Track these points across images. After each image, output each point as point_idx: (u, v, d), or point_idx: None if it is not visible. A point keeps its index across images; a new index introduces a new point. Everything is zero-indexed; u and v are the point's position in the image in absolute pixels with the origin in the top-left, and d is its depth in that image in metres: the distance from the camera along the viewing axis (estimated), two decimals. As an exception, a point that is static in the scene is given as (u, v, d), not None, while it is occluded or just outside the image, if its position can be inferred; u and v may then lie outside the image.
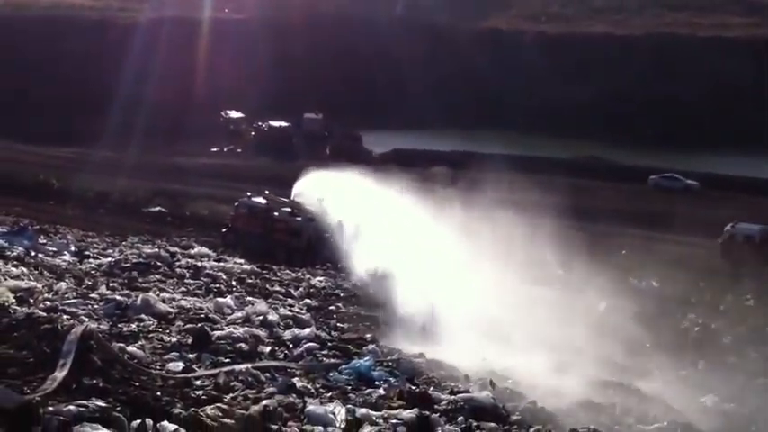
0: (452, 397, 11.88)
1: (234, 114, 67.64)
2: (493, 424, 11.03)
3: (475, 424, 10.89)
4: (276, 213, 26.46)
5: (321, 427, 9.88)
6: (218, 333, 13.68)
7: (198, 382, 11.04)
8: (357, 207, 23.30)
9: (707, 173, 52.29)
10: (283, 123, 62.49)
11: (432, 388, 12.35)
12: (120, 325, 13.42)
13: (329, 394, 11.48)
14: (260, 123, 63.29)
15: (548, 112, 67.47)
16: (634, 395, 13.64)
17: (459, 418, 11.05)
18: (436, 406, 11.45)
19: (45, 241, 21.24)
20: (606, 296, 19.54)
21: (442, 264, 17.91)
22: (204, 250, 24.35)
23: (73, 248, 20.84)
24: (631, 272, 20.36)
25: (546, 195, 27.36)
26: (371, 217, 21.95)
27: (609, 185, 45.00)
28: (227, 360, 12.32)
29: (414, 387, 12.11)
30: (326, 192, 26.00)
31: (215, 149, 61.87)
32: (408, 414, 10.55)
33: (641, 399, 13.56)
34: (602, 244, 21.83)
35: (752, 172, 51.99)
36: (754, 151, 56.53)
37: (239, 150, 61.91)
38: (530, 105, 68.61)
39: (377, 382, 12.24)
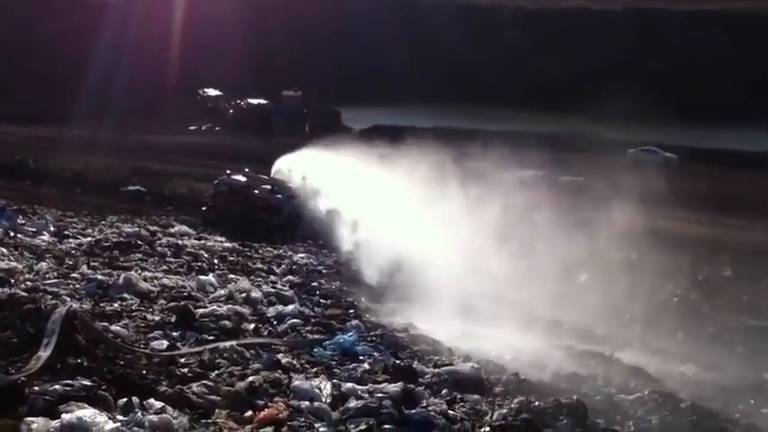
0: (436, 370, 12.00)
1: (212, 92, 67.26)
2: (476, 396, 11.16)
3: (459, 396, 11.01)
4: (256, 191, 26.37)
5: (308, 402, 9.95)
6: (201, 311, 13.66)
7: (183, 360, 11.06)
8: (339, 184, 23.28)
9: (685, 146, 52.73)
10: (262, 101, 62.24)
11: (416, 362, 12.44)
12: (102, 304, 13.36)
13: (314, 369, 11.54)
14: (238, 101, 62.98)
15: (527, 87, 67.59)
16: (615, 366, 13.81)
17: (444, 391, 11.17)
18: (420, 379, 11.55)
19: (24, 222, 21.07)
20: (586, 268, 19.71)
21: (426, 238, 17.96)
22: (184, 229, 24.25)
23: (52, 228, 20.67)
24: (614, 244, 20.50)
25: (527, 169, 27.52)
26: (354, 194, 21.94)
27: (589, 159, 45.23)
28: (212, 338, 12.34)
29: (398, 361, 12.20)
30: (307, 168, 25.94)
31: (193, 127, 61.53)
32: (393, 388, 10.64)
33: (622, 369, 13.73)
34: (584, 217, 21.91)
35: (730, 144, 52.49)
36: (731, 124, 57.02)
37: (218, 128, 61.62)
38: (509, 80, 68.66)
39: (361, 357, 12.32)
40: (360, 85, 70.24)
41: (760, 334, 17.18)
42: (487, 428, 9.96)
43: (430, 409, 10.29)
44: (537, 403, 10.84)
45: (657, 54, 70.55)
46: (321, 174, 24.91)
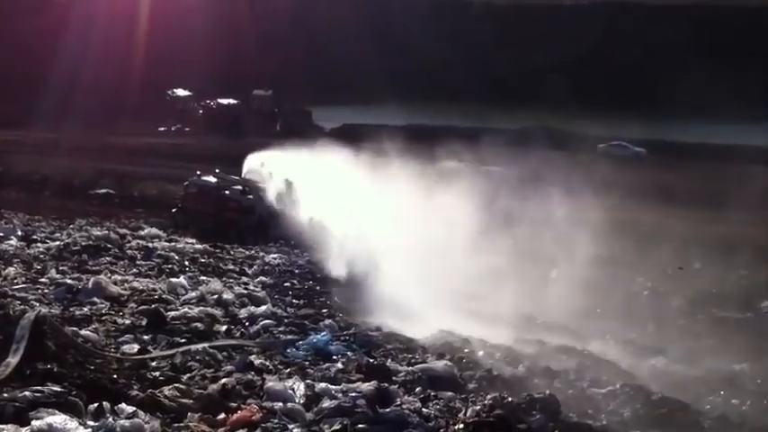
0: (410, 368, 12.04)
1: (181, 93, 66.80)
2: (450, 393, 11.21)
3: (433, 394, 11.05)
4: (227, 192, 26.21)
5: (281, 403, 9.95)
6: (172, 314, 13.61)
7: (154, 364, 11.02)
8: (310, 182, 23.20)
9: (655, 140, 53.21)
10: (232, 101, 61.90)
11: (389, 360, 12.48)
12: (72, 309, 13.25)
13: (288, 370, 11.53)
14: (208, 101, 62.61)
15: (498, 83, 67.86)
16: (587, 359, 13.93)
17: (418, 389, 11.21)
18: (394, 378, 11.58)
19: (-10, 227, 20.79)
20: (557, 264, 19.84)
21: (396, 235, 17.96)
22: (155, 231, 24.06)
23: (19, 233, 20.43)
24: (583, 238, 20.62)
25: (497, 165, 27.63)
26: (324, 191, 21.88)
27: (559, 154, 45.45)
28: (183, 340, 12.29)
29: (372, 360, 12.22)
30: (278, 168, 25.81)
31: (162, 129, 61.03)
32: (367, 386, 10.67)
33: (594, 363, 13.85)
34: (554, 213, 22.04)
35: (699, 138, 53.02)
36: (701, 118, 57.59)
37: (187, 129, 61.21)
38: (480, 76, 68.88)
39: (335, 357, 12.33)
40: (331, 84, 70.15)
41: (729, 326, 17.41)
42: (461, 425, 9.99)
43: (404, 407, 10.33)
44: (510, 399, 10.89)
45: (627, 48, 71.16)
46: (291, 173, 24.80)
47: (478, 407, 10.60)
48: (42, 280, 14.98)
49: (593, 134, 53.69)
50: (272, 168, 25.96)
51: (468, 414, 10.38)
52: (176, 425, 8.96)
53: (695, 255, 23.30)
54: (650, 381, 12.87)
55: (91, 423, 8.15)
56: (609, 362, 13.92)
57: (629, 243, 22.77)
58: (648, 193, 32.31)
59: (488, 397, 10.98)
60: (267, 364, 11.72)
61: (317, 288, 17.85)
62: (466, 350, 13.65)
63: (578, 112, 62.00)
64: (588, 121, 58.15)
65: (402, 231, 18.16)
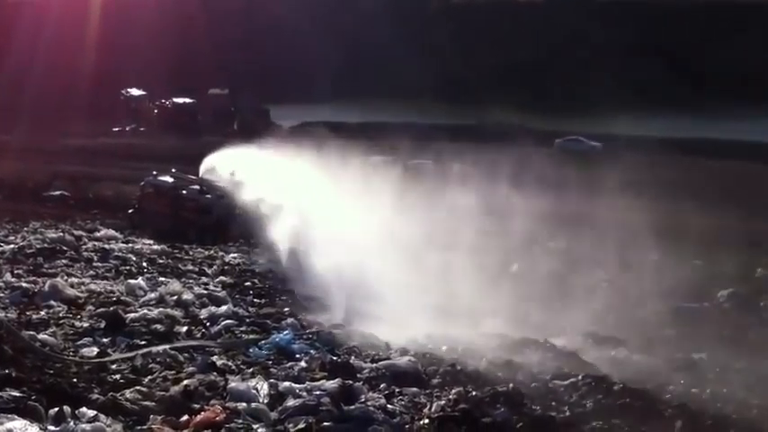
0: (374, 365, 12.05)
1: (135, 92, 65.93)
2: (415, 389, 11.24)
3: (397, 390, 11.07)
4: (184, 191, 25.94)
5: (245, 404, 9.91)
6: (131, 315, 13.48)
7: (114, 367, 10.92)
8: (269, 181, 23.04)
9: (611, 134, 53.84)
10: (187, 100, 61.28)
11: (353, 357, 12.47)
12: (28, 312, 13.06)
13: (250, 370, 11.49)
14: (163, 101, 61.90)
15: (456, 80, 68.16)
16: (549, 352, 14.03)
17: (382, 385, 11.22)
18: (358, 375, 11.60)
19: (-58, 231, 20.33)
20: (518, 257, 19.97)
21: (354, 233, 17.91)
22: (111, 232, 23.75)
23: (-28, 237, 20.03)
24: (543, 233, 20.86)
25: (454, 162, 27.71)
26: (284, 191, 21.74)
27: (516, 150, 45.76)
28: (143, 342, 12.17)
29: (335, 358, 12.20)
30: (237, 167, 25.59)
31: (117, 129, 60.20)
32: (331, 384, 10.66)
33: (556, 355, 13.96)
34: (513, 207, 22.20)
35: (655, 132, 53.76)
36: (657, 111, 58.44)
37: (142, 129, 60.43)
38: (435, 73, 69.13)
39: (298, 356, 12.31)
40: (289, 83, 69.83)
41: (687, 315, 17.67)
42: (426, 420, 10.03)
43: (369, 404, 10.34)
44: (474, 393, 10.99)
45: (582, 44, 71.90)
46: (250, 172, 24.60)
47: (443, 402, 10.67)
48: (-3, 284, 14.69)
49: (550, 129, 54.21)
50: (233, 170, 25.74)
51: (432, 409, 10.43)
52: (139, 428, 8.88)
53: (652, 246, 23.58)
54: (611, 371, 13.01)
55: (51, 428, 8.04)
56: (571, 354, 14.04)
57: (587, 236, 23.00)
58: (604, 187, 32.70)
59: (452, 392, 11.05)
60: (230, 364, 11.66)
61: (279, 287, 17.75)
62: (429, 346, 13.70)
63: (536, 108, 62.61)
64: (545, 118, 58.73)
65: (356, 228, 18.09)
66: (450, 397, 10.88)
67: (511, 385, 11.35)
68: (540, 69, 70.53)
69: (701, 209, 32.23)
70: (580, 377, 12.38)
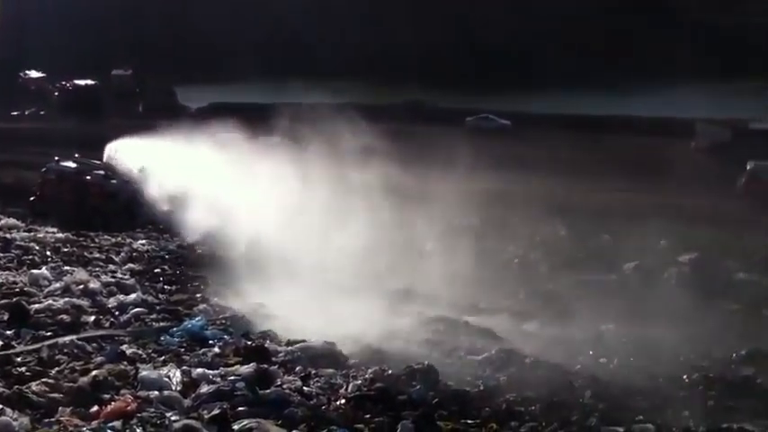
0: (289, 348, 12.03)
1: (34, 74, 63.50)
2: (331, 370, 11.27)
3: (313, 372, 11.08)
4: (89, 177, 25.12)
5: (156, 392, 9.78)
6: (36, 306, 13.13)
7: (19, 359, 10.63)
8: (177, 165, 22.52)
9: (519, 112, 54.75)
10: (90, 81, 59.32)
11: (268, 341, 12.38)
12: (-77, 307, 12.47)
13: (162, 358, 11.33)
14: (64, 82, 59.75)
15: (371, 60, 68.05)
16: (463, 329, 14.23)
17: (298, 368, 11.20)
18: (274, 358, 11.56)
19: None
20: (431, 236, 20.11)
21: (270, 214, 17.71)
22: (12, 221, 22.84)
23: None
24: (456, 211, 21.02)
25: (369, 141, 27.63)
26: (192, 173, 21.29)
27: (429, 129, 46.13)
28: (50, 334, 11.88)
29: (250, 342, 12.11)
30: (140, 152, 24.91)
31: (15, 113, 57.92)
32: (246, 369, 10.61)
33: (469, 331, 14.17)
34: (424, 186, 22.34)
35: (563, 109, 54.87)
36: (566, 89, 59.56)
37: (42, 112, 58.30)
38: (347, 52, 68.89)
39: (211, 341, 12.19)
40: (196, 62, 68.48)
41: (594, 288, 18.10)
42: (343, 401, 10.05)
43: (285, 387, 10.34)
44: (390, 371, 11.06)
45: (491, 24, 72.66)
46: (156, 156, 23.97)
47: (359, 381, 10.73)
48: None
49: (462, 108, 54.69)
50: (135, 153, 25.03)
51: (349, 389, 10.47)
52: (46, 420, 8.68)
53: (561, 222, 24.15)
54: (524, 345, 13.29)
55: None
56: (484, 329, 14.26)
57: (498, 213, 23.34)
58: (514, 164, 33.25)
59: (369, 371, 11.12)
60: (140, 353, 11.50)
61: (190, 273, 17.43)
62: (346, 326, 13.67)
63: (448, 87, 63.10)
64: (458, 96, 59.25)
65: (264, 210, 17.89)
66: (367, 377, 10.94)
67: (426, 362, 11.46)
68: (451, 49, 71.07)
69: (608, 184, 33.22)
70: (493, 352, 12.64)
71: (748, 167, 33.75)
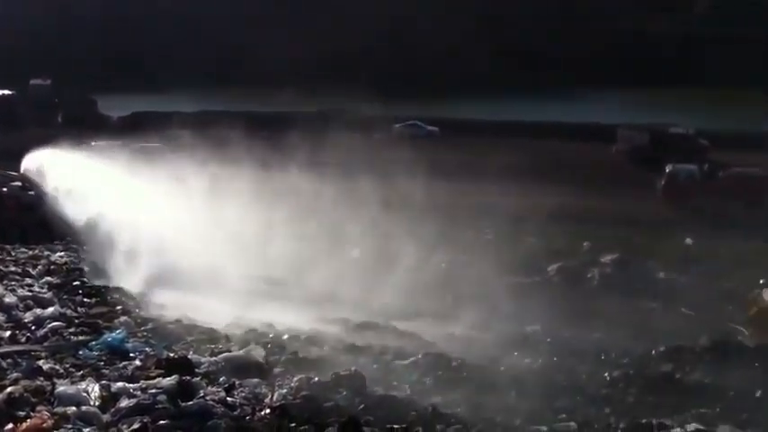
0: (213, 359, 11.83)
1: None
2: (256, 380, 11.11)
3: (238, 382, 10.90)
4: (5, 189, 24.37)
5: (74, 408, 9.50)
6: (-54, 324, 12.57)
7: (-72, 379, 10.15)
8: (92, 176, 21.97)
9: (447, 118, 55.07)
10: (6, 91, 57.55)
11: (191, 352, 12.14)
12: None
13: (80, 373, 11.02)
14: (-22, 93, 57.79)
15: (291, 67, 67.68)
16: (390, 334, 14.26)
17: (222, 379, 11.02)
18: (197, 370, 11.34)
19: None
20: (359, 243, 20.08)
21: (192, 226, 17.42)
22: None
23: None
24: (383, 217, 21.01)
25: (293, 150, 27.49)
26: (107, 185, 20.79)
27: (355, 136, 45.98)
28: (-38, 351, 11.40)
29: (172, 354, 11.85)
30: (60, 164, 24.23)
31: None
32: (168, 381, 10.38)
33: (397, 336, 14.21)
34: (352, 193, 22.31)
35: (488, 116, 55.42)
36: (493, 96, 60.24)
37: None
38: (271, 60, 68.46)
39: (132, 354, 11.89)
40: (117, 71, 67.08)
41: (519, 291, 18.32)
42: (268, 411, 9.91)
43: (208, 398, 10.13)
44: (316, 379, 10.97)
45: (419, 29, 72.93)
46: (73, 169, 23.35)
47: (285, 390, 10.62)
48: None
49: (389, 115, 54.69)
50: (53, 165, 24.34)
51: (274, 399, 10.34)
52: (-44, 441, 8.30)
53: (488, 226, 24.38)
54: (450, 348, 13.36)
55: None
56: (411, 334, 14.31)
57: (426, 219, 23.43)
58: (441, 170, 33.48)
59: (295, 379, 11.01)
60: (57, 368, 11.14)
61: (110, 285, 16.97)
62: (271, 335, 13.56)
63: (376, 94, 63.10)
64: (385, 104, 59.27)
65: (189, 221, 17.60)
66: (293, 385, 10.84)
67: (353, 368, 11.40)
68: (377, 56, 71.23)
69: (533, 189, 33.69)
70: (420, 356, 12.65)
71: (667, 170, 34.66)
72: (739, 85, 54.77)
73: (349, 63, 68.99)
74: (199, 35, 73.31)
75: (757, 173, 34.03)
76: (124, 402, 9.77)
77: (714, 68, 57.12)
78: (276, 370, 11.69)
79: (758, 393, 11.81)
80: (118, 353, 11.93)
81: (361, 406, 10.28)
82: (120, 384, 10.40)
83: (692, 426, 10.12)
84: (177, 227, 17.22)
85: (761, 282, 18.43)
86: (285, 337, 13.49)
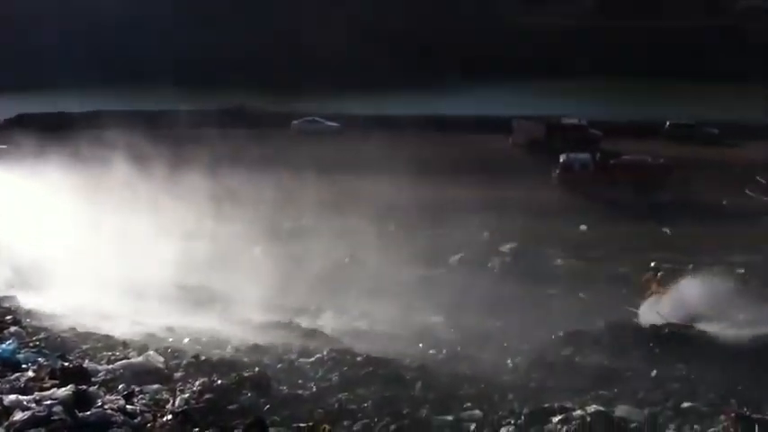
0: (110, 366, 11.44)
1: None
2: (157, 385, 10.79)
3: (137, 389, 10.56)
4: None
5: (-40, 425, 8.98)
6: None
7: None
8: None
9: (348, 114, 55.03)
10: None
11: (87, 361, 11.71)
12: None
13: (-32, 387, 10.44)
14: None
15: (190, 66, 66.35)
16: (294, 332, 14.13)
17: (120, 386, 10.67)
18: (94, 378, 10.94)
19: None
20: (261, 241, 19.86)
21: (80, 231, 16.83)
22: None
23: None
24: (285, 214, 20.85)
25: (194, 148, 26.99)
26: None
27: (255, 133, 45.45)
28: None
29: (66, 363, 11.38)
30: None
31: None
32: (63, 392, 9.96)
33: (302, 334, 14.09)
34: (253, 191, 22.03)
35: (388, 110, 55.64)
36: (389, 90, 60.47)
37: None
38: (166, 58, 66.96)
39: (24, 365, 11.37)
40: (14, 70, 64.25)
41: (421, 283, 18.53)
42: (170, 416, 9.65)
43: (106, 407, 9.77)
44: (219, 381, 10.76)
45: (321, 25, 72.51)
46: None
47: (187, 395, 10.36)
48: None
49: (288, 111, 54.29)
50: None
51: (176, 404, 10.08)
52: None
53: (390, 219, 24.46)
54: (355, 343, 13.34)
55: None
56: (316, 331, 14.23)
57: (328, 215, 23.36)
58: (342, 164, 33.41)
59: (197, 383, 10.76)
60: (-59, 383, 10.54)
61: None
62: (170, 339, 13.23)
63: (275, 91, 62.49)
64: (285, 100, 58.79)
65: (69, 229, 17.00)
66: (195, 389, 10.58)
67: (257, 369, 11.26)
68: (276, 53, 70.51)
69: (433, 180, 34.05)
70: (325, 353, 12.57)
71: (561, 160, 35.57)
72: (628, 75, 56.89)
73: (248, 61, 68.20)
74: (97, 34, 71.08)
75: (646, 160, 35.40)
76: (18, 416, 9.34)
77: (603, 60, 59.12)
78: (177, 374, 11.41)
79: (654, 373, 12.28)
80: (9, 364, 11.39)
81: (267, 406, 10.16)
82: (12, 397, 9.92)
83: (593, 407, 10.38)
84: (58, 233, 16.57)
85: (652, 264, 19.20)
86: (186, 340, 13.19)
